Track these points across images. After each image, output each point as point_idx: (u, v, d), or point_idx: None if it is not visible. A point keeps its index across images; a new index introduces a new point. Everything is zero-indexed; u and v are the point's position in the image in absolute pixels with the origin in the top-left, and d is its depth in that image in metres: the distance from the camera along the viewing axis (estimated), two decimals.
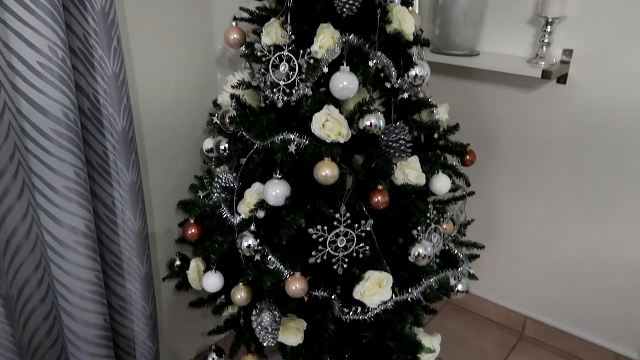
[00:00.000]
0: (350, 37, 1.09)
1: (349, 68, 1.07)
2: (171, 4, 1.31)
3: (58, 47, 0.98)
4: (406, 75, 1.15)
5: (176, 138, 1.44)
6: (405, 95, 1.17)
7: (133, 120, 1.18)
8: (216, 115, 1.30)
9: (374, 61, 1.11)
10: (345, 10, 1.07)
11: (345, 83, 1.07)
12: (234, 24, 1.24)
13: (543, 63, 1.52)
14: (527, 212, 1.82)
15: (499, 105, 1.75)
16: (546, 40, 1.53)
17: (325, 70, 1.09)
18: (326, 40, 1.08)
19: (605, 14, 1.48)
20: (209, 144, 1.43)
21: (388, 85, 1.16)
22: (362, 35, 1.10)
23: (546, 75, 1.48)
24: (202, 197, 1.44)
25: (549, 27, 1.52)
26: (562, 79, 1.60)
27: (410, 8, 1.16)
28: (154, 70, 1.32)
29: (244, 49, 1.26)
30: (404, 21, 1.12)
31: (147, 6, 1.25)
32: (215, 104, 1.45)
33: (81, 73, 1.10)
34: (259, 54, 1.12)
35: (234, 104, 1.23)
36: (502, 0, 1.63)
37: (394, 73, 1.14)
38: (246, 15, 1.26)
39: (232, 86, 1.26)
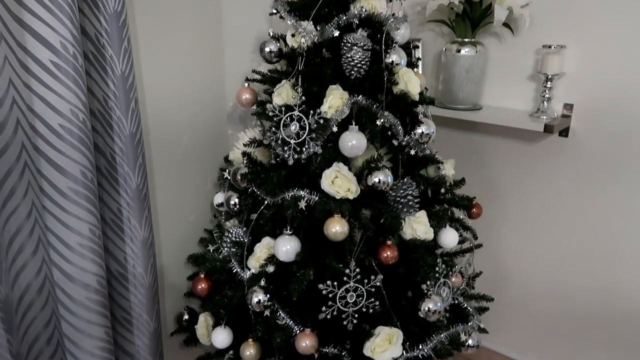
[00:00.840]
0: (359, 98, 1.13)
1: (357, 127, 1.11)
2: (187, 66, 1.38)
3: (79, 110, 1.02)
4: (412, 132, 1.19)
5: (187, 192, 1.47)
6: (412, 152, 1.20)
7: (147, 178, 1.21)
8: (227, 171, 1.33)
9: (381, 120, 1.14)
10: (353, 72, 1.12)
11: (354, 142, 1.10)
12: (246, 84, 1.29)
13: (544, 117, 1.56)
14: (534, 262, 1.81)
15: (503, 157, 1.79)
16: (547, 95, 1.58)
17: (335, 129, 1.12)
18: (335, 101, 1.12)
19: (603, 69, 1.53)
20: (219, 198, 1.45)
21: (395, 142, 1.19)
22: (370, 95, 1.15)
23: (548, 129, 1.51)
24: (211, 250, 1.45)
25: (548, 82, 1.56)
26: (564, 132, 1.64)
27: (415, 69, 1.21)
28: (168, 127, 1.37)
29: (255, 107, 1.30)
30: (410, 82, 1.16)
31: (163, 69, 1.31)
32: (227, 159, 1.48)
33: (99, 133, 1.14)
34: (270, 113, 1.17)
35: (245, 161, 1.26)
36: (503, 58, 1.69)
37: (400, 131, 1.17)
38: (258, 77, 1.31)
39: (243, 144, 1.30)
